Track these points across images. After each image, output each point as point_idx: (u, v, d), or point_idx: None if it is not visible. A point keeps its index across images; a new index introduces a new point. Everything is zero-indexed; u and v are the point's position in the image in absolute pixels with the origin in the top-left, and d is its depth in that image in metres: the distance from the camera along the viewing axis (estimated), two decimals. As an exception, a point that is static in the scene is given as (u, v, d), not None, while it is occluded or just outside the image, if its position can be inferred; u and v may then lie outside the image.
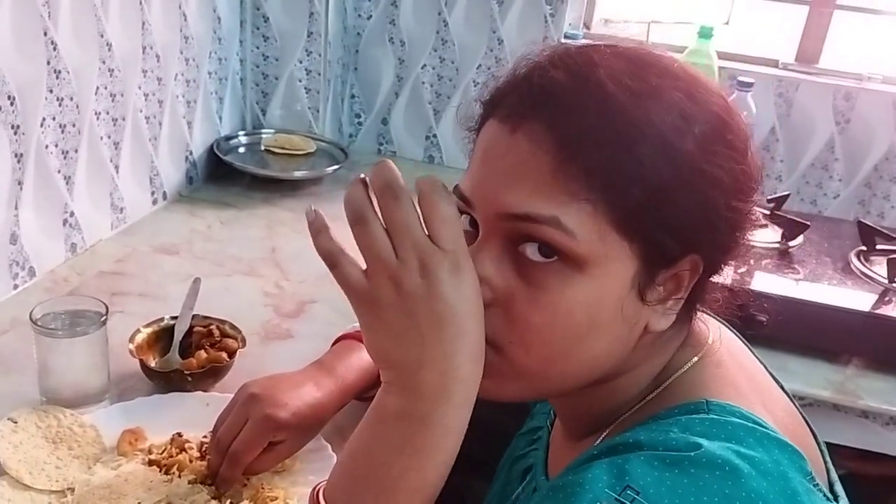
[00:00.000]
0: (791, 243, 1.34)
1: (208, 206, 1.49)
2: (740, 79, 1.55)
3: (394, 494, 0.54)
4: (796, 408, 0.67)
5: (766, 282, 1.23)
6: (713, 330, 0.64)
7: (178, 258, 1.29)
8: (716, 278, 0.61)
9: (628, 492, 0.49)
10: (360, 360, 0.88)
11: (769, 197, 1.47)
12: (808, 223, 1.34)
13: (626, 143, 0.52)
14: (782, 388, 0.68)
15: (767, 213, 1.42)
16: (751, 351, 0.70)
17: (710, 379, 0.59)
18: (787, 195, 1.46)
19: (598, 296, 0.54)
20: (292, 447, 0.81)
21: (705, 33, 1.53)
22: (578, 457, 0.56)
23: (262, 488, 0.78)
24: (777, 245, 1.34)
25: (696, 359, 0.60)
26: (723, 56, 1.59)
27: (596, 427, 0.62)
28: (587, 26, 1.77)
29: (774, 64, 1.66)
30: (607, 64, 0.54)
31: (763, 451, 0.52)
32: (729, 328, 0.70)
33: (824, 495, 0.56)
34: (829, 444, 1.15)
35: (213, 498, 0.77)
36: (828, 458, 0.66)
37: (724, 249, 0.58)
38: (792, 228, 1.35)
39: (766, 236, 1.36)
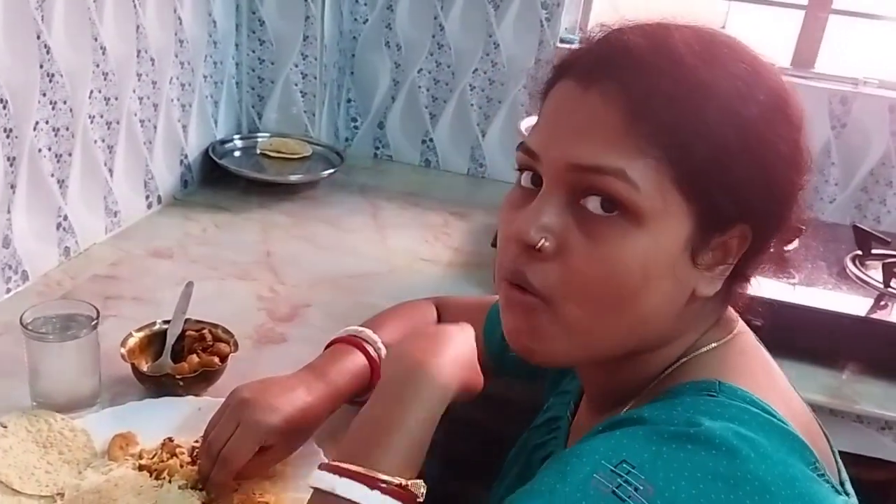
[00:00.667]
0: (786, 248, 1.33)
1: (203, 209, 1.48)
2: (736, 83, 1.55)
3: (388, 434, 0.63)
4: (813, 415, 0.67)
5: (761, 286, 1.23)
6: (741, 323, 0.65)
7: (172, 262, 1.28)
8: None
9: (624, 465, 0.50)
10: (353, 364, 0.87)
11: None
12: (803, 227, 1.34)
13: (694, 104, 0.54)
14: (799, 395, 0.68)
15: (763, 217, 1.42)
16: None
17: (730, 364, 0.60)
18: (783, 199, 1.46)
19: (655, 252, 0.56)
20: (283, 452, 0.81)
21: (701, 37, 1.53)
22: (601, 426, 0.56)
23: (253, 494, 0.78)
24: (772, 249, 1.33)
25: (722, 341, 0.62)
26: (719, 60, 1.59)
27: (620, 402, 0.63)
28: (582, 30, 1.77)
29: (770, 68, 1.66)
30: (680, 32, 0.57)
31: (764, 436, 0.52)
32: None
33: (832, 486, 0.56)
34: (824, 449, 1.17)
35: (204, 503, 0.77)
36: (839, 462, 0.66)
37: (774, 222, 0.60)
38: (787, 233, 1.34)
39: (762, 240, 1.36)
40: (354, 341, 0.89)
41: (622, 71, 0.55)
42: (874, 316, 1.18)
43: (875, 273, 1.27)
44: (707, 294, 0.59)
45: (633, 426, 0.53)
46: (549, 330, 0.58)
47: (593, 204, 0.56)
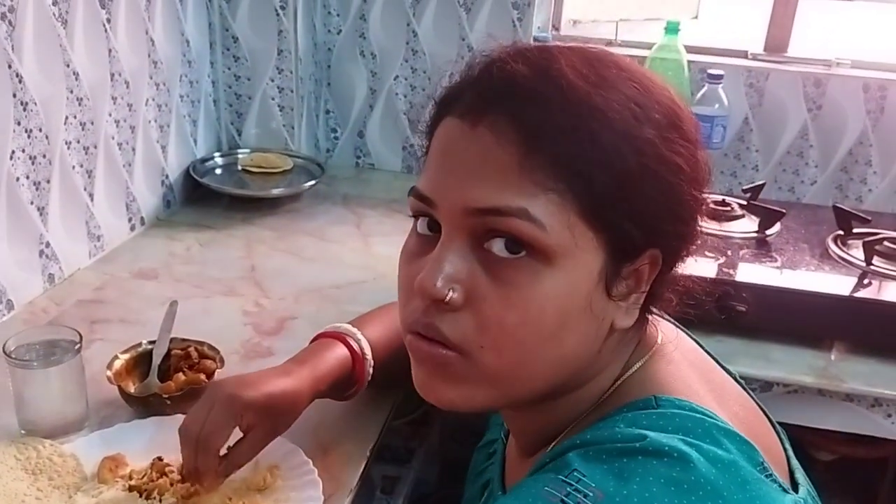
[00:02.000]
0: (768, 232, 1.34)
1: (187, 228, 1.49)
2: (710, 71, 1.56)
3: None
4: (755, 402, 0.67)
5: (745, 271, 1.24)
6: (663, 330, 0.64)
7: (157, 282, 1.28)
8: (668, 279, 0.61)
9: (575, 473, 0.50)
10: (334, 354, 0.87)
11: (745, 187, 1.48)
12: (784, 211, 1.35)
13: (589, 131, 0.52)
14: (739, 384, 0.69)
15: (744, 203, 1.43)
16: (704, 349, 0.70)
17: (660, 376, 0.59)
18: (763, 184, 1.47)
19: (568, 290, 0.54)
20: (266, 433, 0.78)
21: (672, 28, 1.54)
22: (531, 468, 0.56)
23: (244, 507, 0.78)
24: (755, 234, 1.34)
25: (646, 358, 0.61)
26: (691, 50, 1.60)
27: (549, 440, 0.62)
28: (556, 28, 1.78)
29: (744, 55, 1.67)
30: (565, 57, 0.55)
31: (711, 441, 0.52)
32: (680, 328, 0.71)
33: (780, 486, 0.56)
34: (817, 431, 1.18)
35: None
36: (788, 448, 0.66)
37: (682, 242, 0.58)
38: (768, 217, 1.35)
39: (743, 226, 1.37)
40: (337, 335, 0.89)
41: (510, 103, 0.53)
42: (858, 294, 1.19)
43: (857, 252, 1.28)
44: (625, 325, 0.57)
45: (577, 449, 0.52)
46: (466, 379, 0.56)
47: (498, 246, 0.53)
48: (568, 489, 0.49)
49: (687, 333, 0.71)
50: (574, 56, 0.55)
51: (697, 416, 0.55)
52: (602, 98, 0.53)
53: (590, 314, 0.55)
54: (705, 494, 0.48)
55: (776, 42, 1.68)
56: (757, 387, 1.14)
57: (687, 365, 0.62)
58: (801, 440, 1.46)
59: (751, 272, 1.24)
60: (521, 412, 0.65)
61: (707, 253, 1.27)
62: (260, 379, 0.79)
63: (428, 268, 0.54)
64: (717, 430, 0.54)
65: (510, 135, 0.52)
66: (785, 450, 0.66)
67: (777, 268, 1.25)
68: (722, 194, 1.49)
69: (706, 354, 0.69)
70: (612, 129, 0.53)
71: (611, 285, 0.55)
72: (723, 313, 1.16)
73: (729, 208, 1.40)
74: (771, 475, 0.55)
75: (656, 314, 0.63)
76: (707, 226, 1.35)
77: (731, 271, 1.23)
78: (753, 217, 1.38)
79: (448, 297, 0.54)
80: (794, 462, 0.65)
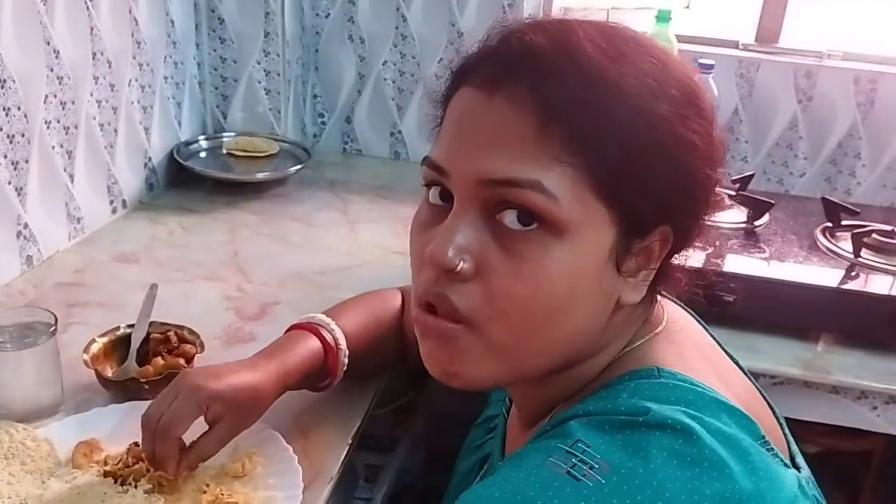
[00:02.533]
0: (757, 223, 1.34)
1: (170, 212, 1.46)
2: (701, 61, 1.54)
3: None
4: (758, 390, 0.67)
5: (733, 262, 1.23)
6: (669, 311, 0.64)
7: (139, 266, 1.26)
8: (679, 258, 0.61)
9: (579, 444, 0.50)
10: (305, 347, 0.85)
11: (734, 177, 1.47)
12: (773, 202, 1.34)
13: (605, 105, 0.52)
14: (743, 371, 0.68)
15: (733, 193, 1.42)
16: (710, 334, 0.70)
17: (663, 352, 0.59)
18: (752, 175, 1.46)
19: (579, 264, 0.53)
20: (232, 425, 0.77)
21: (663, 17, 1.53)
22: (532, 436, 0.56)
23: (222, 494, 0.76)
24: (743, 225, 1.33)
25: (651, 335, 0.60)
26: (682, 39, 1.59)
27: (552, 410, 0.62)
28: (547, 15, 1.76)
29: (734, 45, 1.66)
30: (584, 30, 0.54)
31: (712, 414, 0.52)
32: (687, 311, 0.71)
33: (781, 460, 0.56)
34: (802, 423, 1.17)
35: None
36: (789, 436, 0.66)
37: (693, 220, 0.58)
38: (757, 208, 1.34)
39: (732, 216, 1.36)
40: (310, 326, 0.87)
41: (528, 74, 0.53)
42: (846, 287, 1.18)
43: (845, 244, 1.27)
44: (632, 301, 0.57)
45: (580, 419, 0.52)
46: (472, 353, 0.56)
47: (510, 218, 0.53)
48: (573, 460, 0.48)
49: (696, 318, 0.71)
50: (592, 30, 0.55)
51: (699, 389, 0.55)
52: (619, 73, 0.53)
53: (598, 289, 0.55)
54: (710, 465, 0.48)
55: (767, 32, 1.67)
56: (743, 378, 1.13)
57: (691, 346, 0.62)
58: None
59: (739, 263, 1.23)
60: (528, 386, 0.64)
61: (695, 242, 1.26)
62: (227, 371, 0.78)
63: (439, 238, 0.54)
64: (718, 404, 0.54)
65: (527, 106, 0.52)
66: (785, 436, 0.65)
67: (765, 259, 1.25)
68: (711, 185, 1.48)
69: (712, 340, 0.69)
70: (628, 104, 0.52)
71: (621, 261, 0.55)
72: (711, 303, 1.15)
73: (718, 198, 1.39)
74: (772, 449, 0.55)
75: (665, 296, 0.63)
76: (696, 216, 1.34)
77: (720, 261, 1.22)
78: (742, 208, 1.37)
79: (459, 268, 0.53)
80: (795, 448, 0.65)
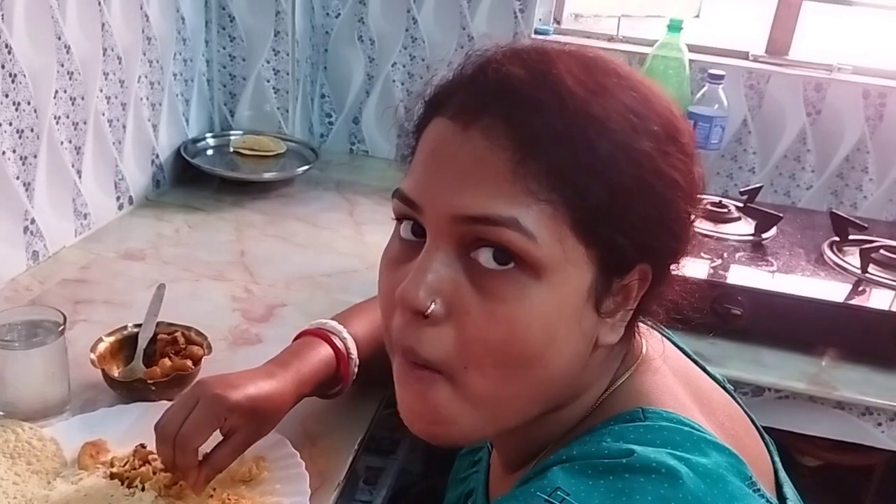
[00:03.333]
0: (764, 235, 1.34)
1: (176, 209, 1.46)
2: (711, 71, 1.54)
3: None
4: (743, 410, 0.66)
5: (741, 275, 1.23)
6: (648, 339, 0.62)
7: (145, 264, 1.26)
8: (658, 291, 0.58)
9: (558, 492, 0.48)
10: (318, 354, 0.85)
11: (742, 189, 1.47)
12: (781, 215, 1.34)
13: (585, 140, 0.50)
14: (727, 390, 0.67)
15: (741, 205, 1.42)
16: (689, 356, 0.69)
17: (646, 387, 0.58)
18: (760, 187, 1.46)
19: (558, 305, 0.51)
20: (248, 436, 0.76)
21: (675, 26, 1.53)
22: (516, 482, 0.54)
23: (229, 499, 0.76)
24: (750, 237, 1.33)
25: (632, 370, 0.59)
26: (693, 49, 1.59)
27: (535, 455, 0.60)
28: (557, 21, 1.76)
29: (745, 56, 1.66)
30: (563, 61, 0.52)
31: (700, 455, 0.51)
32: (664, 334, 0.69)
33: (767, 500, 0.55)
34: (805, 437, 1.17)
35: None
36: (777, 460, 0.65)
37: (672, 258, 0.56)
38: (765, 220, 1.34)
39: (740, 229, 1.36)
40: (321, 333, 0.87)
41: (505, 107, 0.50)
42: (852, 302, 1.18)
43: (853, 259, 1.27)
44: (610, 342, 0.55)
45: (563, 464, 0.51)
46: (451, 407, 0.53)
47: (485, 256, 0.50)
48: None
49: (671, 339, 0.70)
50: (572, 60, 0.52)
51: (685, 428, 0.53)
52: (600, 106, 0.50)
53: (578, 331, 0.53)
54: None
55: (778, 44, 1.67)
56: (749, 391, 1.13)
57: (673, 375, 0.60)
58: (788, 445, 1.46)
59: (746, 275, 1.23)
60: (507, 435, 0.61)
61: (703, 254, 1.26)
62: (244, 380, 0.77)
63: (410, 277, 0.51)
64: (706, 443, 0.52)
65: (504, 140, 0.49)
66: (773, 462, 0.64)
67: (772, 272, 1.25)
68: (718, 196, 1.48)
69: (691, 362, 0.68)
70: (609, 139, 0.50)
71: (600, 301, 0.53)
72: (719, 316, 1.15)
73: (725, 210, 1.39)
74: (759, 490, 0.54)
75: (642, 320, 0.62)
76: (703, 227, 1.34)
77: (727, 274, 1.22)
78: (750, 220, 1.37)
79: (430, 310, 0.51)
80: (783, 475, 0.64)
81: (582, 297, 0.52)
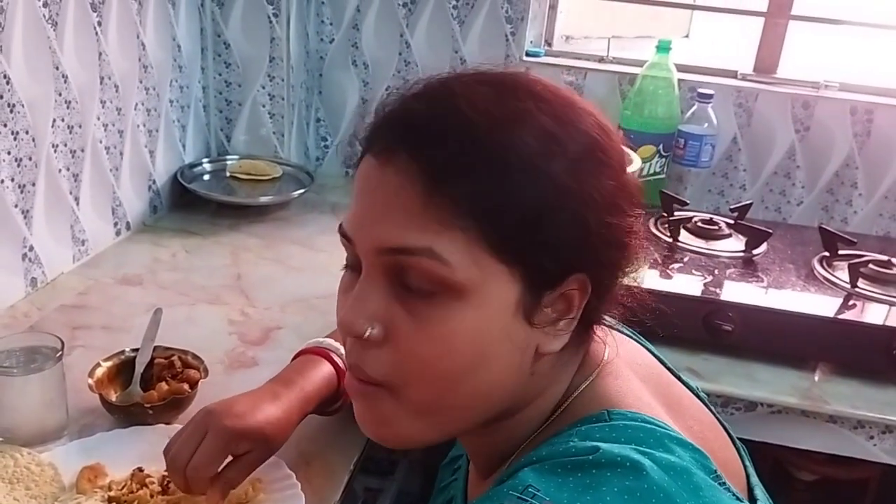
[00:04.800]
0: (755, 251, 1.35)
1: (173, 235, 1.47)
2: (700, 90, 1.57)
3: None
4: (716, 418, 0.68)
5: (731, 290, 1.24)
6: (613, 344, 0.64)
7: (142, 289, 1.27)
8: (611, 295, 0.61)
9: (530, 489, 0.50)
10: (319, 372, 0.86)
11: (732, 206, 1.49)
12: (771, 231, 1.36)
13: (490, 168, 0.52)
14: (701, 399, 0.69)
15: (731, 222, 1.43)
16: (663, 363, 0.71)
17: (610, 391, 0.60)
18: (750, 204, 1.47)
19: (482, 323, 0.54)
20: (261, 457, 0.79)
21: (664, 46, 1.55)
22: (490, 486, 0.56)
23: (225, 521, 0.77)
24: (741, 254, 1.35)
25: (593, 376, 0.61)
26: (682, 69, 1.61)
27: (504, 459, 0.62)
28: (548, 43, 1.78)
29: (733, 75, 1.68)
30: (468, 92, 0.55)
31: (663, 450, 0.53)
32: (630, 334, 0.72)
33: (734, 494, 0.56)
34: (800, 451, 1.18)
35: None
36: (749, 465, 0.67)
37: (609, 267, 0.58)
38: (755, 237, 1.36)
39: (730, 245, 1.37)
40: (320, 351, 0.89)
41: (409, 142, 0.54)
42: (842, 316, 1.19)
43: (842, 274, 1.28)
44: (553, 350, 0.57)
45: (533, 465, 0.53)
46: (395, 417, 0.58)
47: (413, 283, 0.54)
48: None
49: (639, 341, 0.72)
50: (480, 90, 0.55)
51: (649, 426, 0.55)
52: (504, 134, 0.53)
53: (510, 344, 0.55)
54: (658, 502, 0.49)
55: (765, 63, 1.69)
56: (741, 406, 1.14)
57: (638, 379, 0.62)
58: (783, 460, 1.47)
59: (737, 291, 1.24)
60: (470, 436, 0.65)
61: (694, 271, 1.28)
62: (251, 405, 0.79)
63: (349, 305, 0.56)
64: (669, 438, 0.55)
65: (413, 175, 0.53)
66: (745, 466, 0.66)
67: (763, 287, 1.26)
68: (710, 213, 1.49)
69: (664, 368, 0.70)
70: (514, 165, 0.52)
71: (531, 314, 0.55)
72: (710, 332, 1.16)
73: (716, 227, 1.41)
74: (724, 483, 0.56)
75: (605, 323, 0.64)
76: (694, 244, 1.36)
77: (718, 290, 1.23)
78: (740, 236, 1.39)
79: (367, 334, 0.55)
80: (755, 479, 0.66)
81: (508, 312, 0.54)
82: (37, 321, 1.14)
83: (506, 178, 0.52)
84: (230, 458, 0.77)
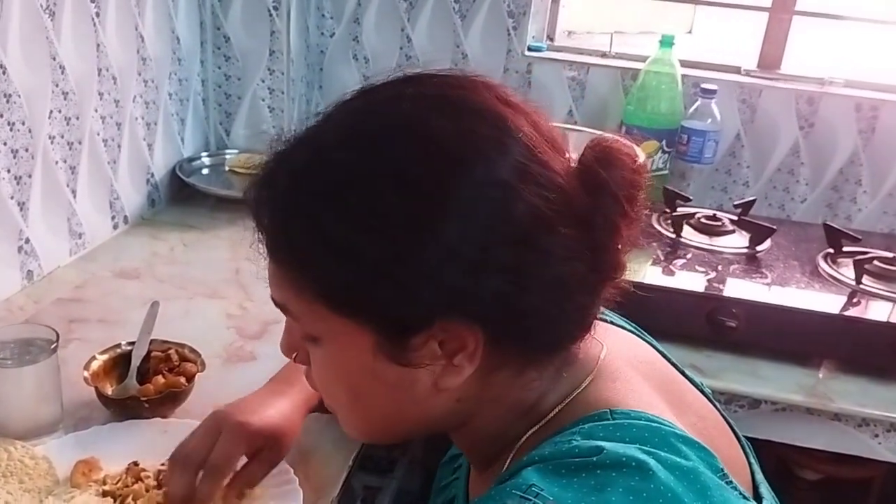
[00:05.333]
0: (758, 248, 1.34)
1: (171, 228, 1.46)
2: (703, 86, 1.55)
3: None
4: (720, 413, 0.67)
5: (735, 287, 1.23)
6: (609, 341, 0.62)
7: (139, 282, 1.26)
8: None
9: (533, 488, 0.49)
10: None
11: (736, 202, 1.48)
12: (775, 227, 1.34)
13: (293, 235, 0.54)
14: (705, 395, 0.68)
15: (735, 218, 1.42)
16: (666, 358, 0.69)
17: (609, 393, 0.58)
18: (754, 200, 1.46)
19: (342, 366, 0.58)
20: (274, 455, 0.80)
21: (667, 42, 1.54)
22: (491, 484, 0.55)
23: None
24: (745, 250, 1.34)
25: (589, 379, 0.59)
26: (686, 64, 1.60)
27: (499, 453, 0.61)
28: (550, 38, 1.77)
29: (737, 70, 1.67)
30: (291, 158, 0.56)
31: (669, 449, 0.52)
32: (637, 333, 0.71)
33: (740, 493, 0.55)
34: (804, 450, 1.16)
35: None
36: (754, 462, 0.66)
37: (496, 300, 0.53)
38: (759, 233, 1.34)
39: (734, 241, 1.36)
40: None
41: (251, 208, 0.58)
42: (847, 313, 1.18)
43: (847, 271, 1.27)
44: (451, 385, 0.55)
45: (536, 465, 0.52)
46: (346, 425, 0.63)
47: None
48: None
49: (640, 334, 0.71)
50: (299, 154, 0.56)
51: (654, 424, 0.54)
52: (309, 203, 0.54)
53: (380, 383, 0.57)
54: (665, 502, 0.48)
55: (770, 59, 1.68)
56: (745, 403, 1.13)
57: (640, 377, 0.61)
58: (787, 458, 1.45)
59: (741, 288, 1.23)
60: (454, 435, 0.65)
61: (697, 267, 1.26)
62: (260, 404, 0.80)
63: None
64: (675, 437, 0.54)
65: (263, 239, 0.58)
66: (750, 464, 0.65)
67: (767, 284, 1.25)
68: (713, 209, 1.48)
69: (667, 364, 0.68)
70: (330, 229, 0.53)
71: (399, 356, 0.54)
72: (714, 328, 1.15)
73: (720, 223, 1.39)
74: (731, 482, 0.55)
75: (611, 322, 0.63)
76: (698, 240, 1.35)
77: (721, 286, 1.22)
78: (744, 233, 1.38)
79: (293, 359, 0.63)
80: (760, 476, 0.64)
81: (366, 355, 0.55)
82: (33, 314, 1.13)
83: (323, 241, 0.53)
84: (253, 466, 0.79)
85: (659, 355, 0.70)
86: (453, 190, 0.52)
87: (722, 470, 0.55)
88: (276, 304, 0.59)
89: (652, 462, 0.50)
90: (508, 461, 0.59)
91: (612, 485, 0.48)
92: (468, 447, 0.66)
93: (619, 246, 0.56)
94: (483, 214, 0.52)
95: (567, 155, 0.57)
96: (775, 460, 1.43)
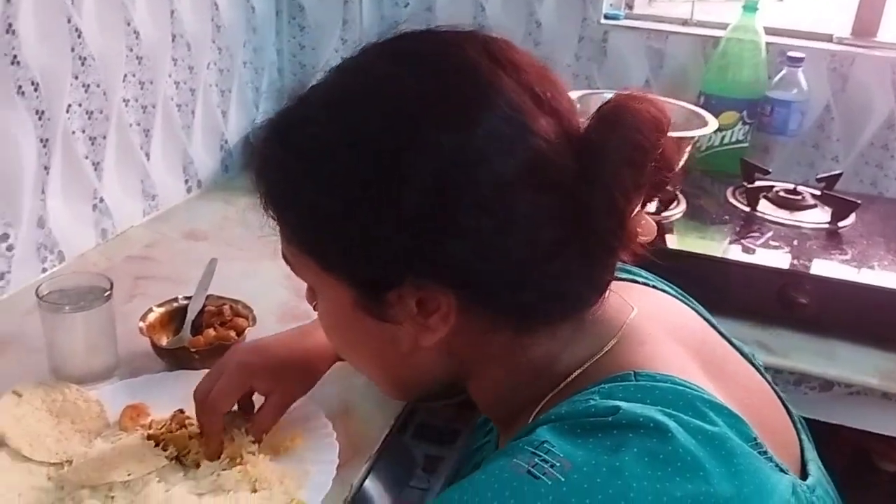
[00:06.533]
0: (840, 224, 1.26)
1: (243, 193, 1.46)
2: (790, 54, 1.47)
3: None
4: (770, 386, 0.63)
5: (810, 262, 1.16)
6: (643, 305, 0.60)
7: (207, 244, 1.29)
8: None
9: (545, 445, 0.47)
10: None
11: (819, 176, 1.39)
12: (859, 202, 1.26)
13: (271, 188, 0.58)
14: (756, 367, 0.64)
15: (818, 192, 1.34)
16: (711, 325, 0.66)
17: (635, 356, 0.56)
18: (840, 174, 1.38)
19: (334, 317, 0.62)
20: (284, 397, 0.79)
21: (750, 7, 1.46)
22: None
23: (243, 461, 0.76)
24: (825, 226, 1.26)
25: (613, 342, 0.57)
26: (771, 31, 1.51)
27: (519, 414, 0.60)
28: (629, 6, 1.71)
29: (828, 38, 1.57)
30: (282, 113, 0.59)
31: (693, 413, 0.49)
32: (680, 297, 0.67)
33: (776, 465, 0.51)
34: (883, 438, 1.09)
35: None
36: (805, 439, 0.62)
37: (470, 262, 0.52)
38: (841, 208, 1.27)
39: (815, 216, 1.29)
40: None
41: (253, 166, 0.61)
42: (935, 294, 1.10)
43: (938, 249, 1.18)
44: (426, 343, 0.56)
45: (551, 423, 0.50)
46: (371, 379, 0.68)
47: None
48: (536, 460, 0.47)
49: (692, 306, 0.68)
50: (275, 122, 0.58)
51: (679, 388, 0.51)
52: (287, 157, 0.56)
53: (364, 334, 0.59)
54: (684, 466, 0.46)
55: (865, 25, 1.57)
56: (816, 385, 1.07)
57: (672, 341, 0.58)
58: (864, 447, 1.37)
59: (815, 264, 1.16)
60: (472, 395, 0.64)
61: (771, 242, 1.20)
62: (274, 344, 0.80)
63: None
64: (702, 401, 0.51)
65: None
66: (801, 440, 0.61)
67: (846, 261, 1.17)
68: (795, 183, 1.40)
69: (710, 329, 0.65)
70: (312, 196, 0.55)
71: (378, 311, 0.56)
72: (784, 304, 1.09)
73: (800, 197, 1.32)
74: (766, 452, 0.51)
75: (651, 285, 0.61)
76: (774, 214, 1.28)
77: (795, 261, 1.15)
78: (826, 208, 1.30)
79: (314, 308, 0.65)
80: (812, 454, 0.61)
81: (349, 308, 0.58)
82: (104, 270, 1.17)
83: (295, 212, 0.57)
84: (262, 411, 0.79)
85: (704, 322, 0.67)
86: (408, 154, 0.51)
87: (755, 439, 0.52)
88: (284, 257, 0.62)
89: (672, 424, 0.47)
90: (530, 422, 0.58)
91: (626, 445, 0.46)
92: (485, 407, 0.65)
93: (625, 211, 0.52)
94: (440, 178, 0.51)
95: (571, 117, 0.54)
96: (852, 449, 1.35)
